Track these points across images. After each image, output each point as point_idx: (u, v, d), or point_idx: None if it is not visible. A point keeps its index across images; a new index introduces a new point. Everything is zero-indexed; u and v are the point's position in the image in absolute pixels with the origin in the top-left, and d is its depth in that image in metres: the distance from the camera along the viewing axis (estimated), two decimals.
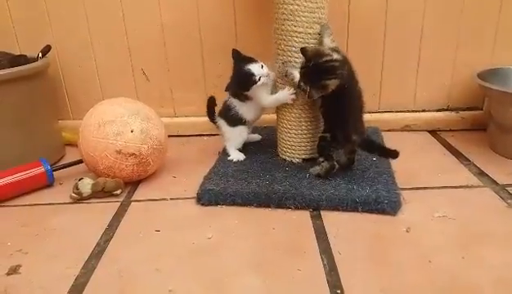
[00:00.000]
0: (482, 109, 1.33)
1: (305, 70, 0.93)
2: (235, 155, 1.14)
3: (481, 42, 1.28)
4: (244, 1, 1.26)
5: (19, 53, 1.23)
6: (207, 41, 1.31)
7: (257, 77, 1.03)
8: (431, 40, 1.28)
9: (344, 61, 0.93)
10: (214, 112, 1.17)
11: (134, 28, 1.30)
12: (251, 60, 1.05)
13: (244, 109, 1.11)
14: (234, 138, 1.14)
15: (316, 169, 1.01)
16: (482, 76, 1.18)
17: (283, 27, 1.01)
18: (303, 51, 0.93)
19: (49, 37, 1.30)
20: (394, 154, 0.96)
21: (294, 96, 1.03)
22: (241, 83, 1.06)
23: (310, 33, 1.00)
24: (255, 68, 1.03)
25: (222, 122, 1.14)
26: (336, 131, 0.98)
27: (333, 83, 0.91)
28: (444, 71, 1.31)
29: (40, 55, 1.22)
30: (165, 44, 1.31)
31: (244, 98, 1.09)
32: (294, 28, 0.99)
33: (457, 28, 1.26)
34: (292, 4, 0.98)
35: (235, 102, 1.11)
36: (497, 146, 1.18)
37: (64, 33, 1.31)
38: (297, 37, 1.00)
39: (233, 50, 1.08)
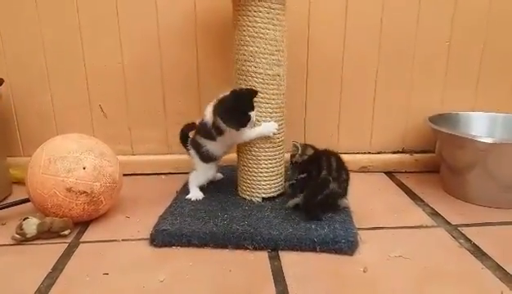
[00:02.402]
0: (434, 152, 1.39)
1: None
2: (194, 194, 1.11)
3: (432, 89, 1.35)
4: (206, 41, 1.28)
5: None
6: (168, 78, 1.31)
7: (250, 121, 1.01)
8: (385, 85, 1.34)
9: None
10: (188, 137, 1.14)
11: (93, 64, 1.28)
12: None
13: (213, 147, 1.09)
14: (202, 172, 1.11)
15: (296, 200, 1.02)
16: (433, 120, 1.24)
17: (243, 68, 1.03)
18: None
19: (2, 70, 1.25)
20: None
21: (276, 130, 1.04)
22: (238, 121, 1.00)
23: (269, 75, 1.02)
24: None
25: (193, 153, 1.11)
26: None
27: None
28: (398, 115, 1.37)
29: None
30: (125, 80, 1.30)
31: (215, 136, 1.06)
32: (255, 69, 1.01)
33: (410, 75, 1.34)
34: (252, 46, 1.00)
35: (204, 141, 1.09)
36: (449, 187, 1.23)
37: (19, 67, 1.27)
38: (257, 77, 1.02)
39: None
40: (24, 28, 1.24)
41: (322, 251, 0.90)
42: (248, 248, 0.92)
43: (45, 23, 1.24)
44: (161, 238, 0.93)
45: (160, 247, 0.93)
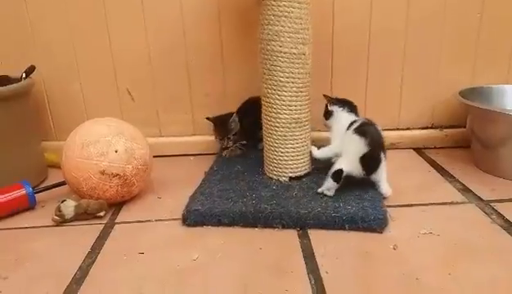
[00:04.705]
0: (465, 127, 1.36)
1: None
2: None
3: (462, 62, 1.31)
4: (230, 21, 1.27)
5: (1, 74, 1.22)
6: (193, 61, 1.31)
7: None
8: (413, 59, 1.30)
9: None
10: None
11: (120, 49, 1.30)
12: None
13: None
14: None
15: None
16: (464, 94, 1.21)
17: (268, 47, 1.02)
18: None
19: (34, 58, 1.29)
20: None
21: None
22: None
23: (295, 53, 1.01)
24: None
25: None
26: None
27: None
28: (427, 90, 1.34)
29: (24, 75, 1.21)
30: (151, 64, 1.31)
31: None
32: (280, 49, 1.00)
33: (439, 48, 1.29)
34: (277, 25, 0.99)
35: None
36: (480, 163, 1.20)
37: (48, 54, 1.30)
38: (282, 57, 1.01)
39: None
40: (52, 16, 1.26)
41: (351, 229, 0.91)
42: (277, 227, 0.94)
43: (72, 11, 1.26)
44: (193, 217, 0.96)
45: (192, 226, 0.96)
